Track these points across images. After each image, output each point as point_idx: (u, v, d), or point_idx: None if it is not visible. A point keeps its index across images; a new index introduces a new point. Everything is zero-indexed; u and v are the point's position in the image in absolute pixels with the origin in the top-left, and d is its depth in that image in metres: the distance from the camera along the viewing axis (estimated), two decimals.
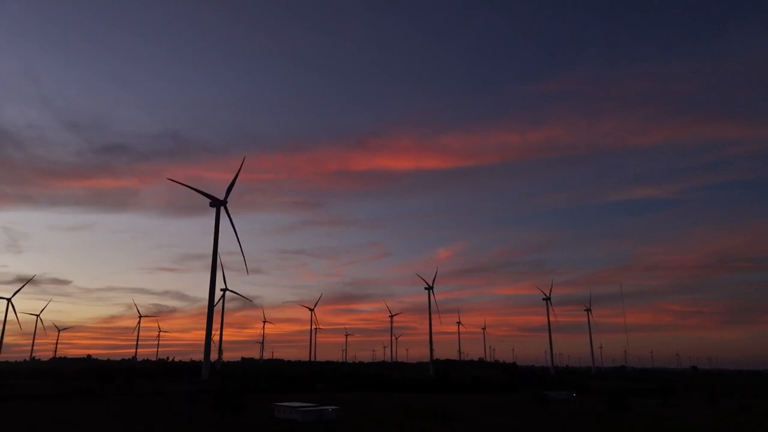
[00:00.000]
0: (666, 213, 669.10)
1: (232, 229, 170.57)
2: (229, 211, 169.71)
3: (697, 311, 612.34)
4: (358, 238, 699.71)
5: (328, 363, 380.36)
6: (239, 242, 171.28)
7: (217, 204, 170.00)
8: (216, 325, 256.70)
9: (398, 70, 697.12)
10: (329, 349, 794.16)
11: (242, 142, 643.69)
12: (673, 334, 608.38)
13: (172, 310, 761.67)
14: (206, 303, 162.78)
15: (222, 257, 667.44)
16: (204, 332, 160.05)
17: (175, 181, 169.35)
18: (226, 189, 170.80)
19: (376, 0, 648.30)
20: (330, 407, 73.69)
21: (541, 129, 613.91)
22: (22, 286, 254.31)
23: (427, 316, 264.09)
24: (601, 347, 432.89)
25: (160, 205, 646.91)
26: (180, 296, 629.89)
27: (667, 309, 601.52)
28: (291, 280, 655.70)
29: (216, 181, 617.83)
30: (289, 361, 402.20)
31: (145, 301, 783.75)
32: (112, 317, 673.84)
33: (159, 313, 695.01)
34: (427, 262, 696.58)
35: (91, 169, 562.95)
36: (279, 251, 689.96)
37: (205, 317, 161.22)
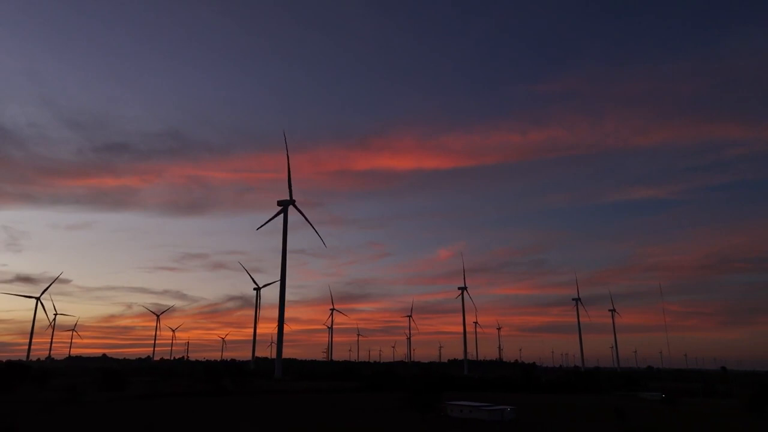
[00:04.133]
0: (666, 213, 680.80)
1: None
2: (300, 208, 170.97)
3: (696, 311, 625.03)
4: (359, 238, 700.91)
5: (346, 362, 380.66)
6: (317, 233, 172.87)
7: (285, 204, 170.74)
8: (250, 323, 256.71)
9: (399, 69, 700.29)
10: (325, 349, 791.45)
11: (243, 141, 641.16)
12: (673, 335, 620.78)
13: (171, 310, 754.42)
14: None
15: (225, 257, 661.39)
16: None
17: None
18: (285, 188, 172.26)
19: (376, 0, 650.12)
20: (507, 407, 75.53)
21: (542, 129, 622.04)
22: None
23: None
24: (612, 347, 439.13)
25: (161, 204, 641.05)
26: (180, 296, 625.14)
27: (666, 309, 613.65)
28: (291, 279, 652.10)
29: (216, 180, 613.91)
30: (303, 361, 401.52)
31: (144, 301, 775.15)
32: (112, 316, 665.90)
33: (157, 312, 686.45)
34: (427, 261, 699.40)
35: (92, 167, 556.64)
36: (279, 251, 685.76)
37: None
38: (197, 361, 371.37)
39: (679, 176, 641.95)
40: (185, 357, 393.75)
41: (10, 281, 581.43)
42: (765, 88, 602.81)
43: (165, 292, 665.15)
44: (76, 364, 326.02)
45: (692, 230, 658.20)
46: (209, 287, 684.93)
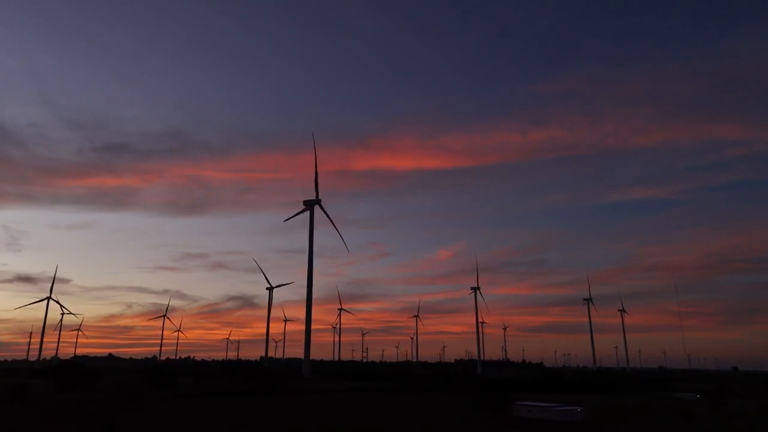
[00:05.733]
0: (666, 213, 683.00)
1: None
2: (325, 209, 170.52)
3: (696, 311, 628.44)
4: (359, 238, 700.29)
5: (353, 362, 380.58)
6: (341, 235, 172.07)
7: (311, 204, 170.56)
8: (262, 322, 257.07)
9: (399, 69, 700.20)
10: (329, 348, 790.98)
11: (243, 141, 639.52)
12: (673, 335, 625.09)
13: (171, 310, 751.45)
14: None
15: (223, 257, 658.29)
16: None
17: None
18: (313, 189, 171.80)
19: (376, 0, 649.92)
20: (577, 408, 76.07)
21: (542, 129, 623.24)
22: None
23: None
24: (615, 348, 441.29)
25: (161, 204, 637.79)
26: (180, 295, 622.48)
27: (668, 309, 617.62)
28: (291, 279, 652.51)
29: (217, 180, 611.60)
30: (311, 360, 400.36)
31: (144, 300, 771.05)
32: (112, 316, 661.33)
33: (158, 311, 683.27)
34: (427, 261, 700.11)
35: (92, 167, 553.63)
36: (279, 251, 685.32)
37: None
38: (203, 361, 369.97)
39: (679, 176, 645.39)
40: (191, 356, 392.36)
41: (10, 281, 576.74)
42: (765, 88, 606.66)
43: (165, 292, 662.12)
44: (84, 363, 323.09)
45: (692, 230, 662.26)
46: (209, 287, 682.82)
